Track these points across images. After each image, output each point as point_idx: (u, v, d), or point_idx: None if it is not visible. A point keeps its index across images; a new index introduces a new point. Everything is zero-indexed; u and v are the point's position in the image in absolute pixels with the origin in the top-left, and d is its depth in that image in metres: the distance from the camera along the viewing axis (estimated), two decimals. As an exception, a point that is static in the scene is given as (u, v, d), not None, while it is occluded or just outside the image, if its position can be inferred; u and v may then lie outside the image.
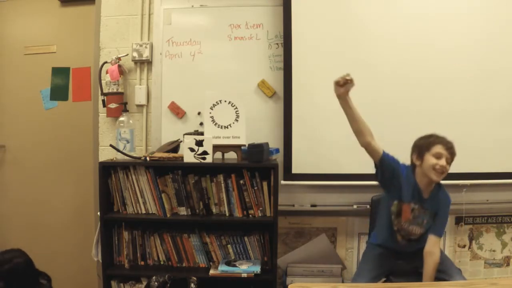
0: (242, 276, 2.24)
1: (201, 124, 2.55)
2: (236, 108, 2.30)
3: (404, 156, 2.47)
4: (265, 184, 2.29)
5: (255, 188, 2.29)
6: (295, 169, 2.52)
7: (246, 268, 2.26)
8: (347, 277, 2.63)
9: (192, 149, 2.25)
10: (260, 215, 2.31)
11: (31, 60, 2.88)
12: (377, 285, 2.05)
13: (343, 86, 1.87)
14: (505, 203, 2.55)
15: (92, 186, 2.68)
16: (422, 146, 2.00)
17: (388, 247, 2.12)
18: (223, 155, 2.40)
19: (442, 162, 1.93)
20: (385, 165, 1.98)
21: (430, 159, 1.95)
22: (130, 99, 2.65)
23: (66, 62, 2.84)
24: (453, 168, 2.43)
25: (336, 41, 2.51)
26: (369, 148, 1.96)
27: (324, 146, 2.52)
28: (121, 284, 2.40)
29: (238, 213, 2.32)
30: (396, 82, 2.48)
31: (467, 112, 2.47)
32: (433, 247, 1.94)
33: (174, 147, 2.46)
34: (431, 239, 1.96)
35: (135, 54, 2.63)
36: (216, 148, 2.30)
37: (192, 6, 2.61)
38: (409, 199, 2.01)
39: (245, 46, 2.59)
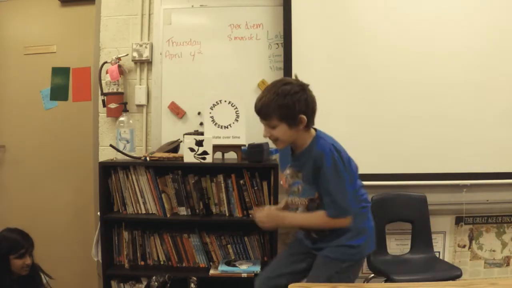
0: (242, 276, 2.24)
1: (201, 124, 2.55)
2: (236, 108, 2.30)
3: (404, 157, 2.49)
4: (265, 184, 2.29)
5: (255, 188, 2.29)
6: (295, 169, 2.52)
7: (246, 268, 2.26)
8: (347, 277, 2.63)
9: (192, 149, 2.25)
10: (260, 215, 2.30)
11: (31, 60, 2.88)
12: (377, 285, 2.05)
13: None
14: (505, 203, 2.55)
15: (92, 186, 2.68)
16: None
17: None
18: (223, 155, 2.40)
19: (265, 132, 1.66)
20: None
21: None
22: (130, 99, 2.65)
23: (66, 62, 2.84)
24: (453, 168, 2.47)
25: (336, 41, 2.51)
26: None
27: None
28: (121, 284, 2.40)
29: (238, 213, 2.32)
30: (396, 83, 2.48)
31: (467, 112, 2.47)
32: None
33: (174, 147, 2.46)
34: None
35: (135, 54, 2.63)
36: (216, 148, 2.30)
37: (192, 6, 2.61)
38: (287, 164, 1.76)
39: (245, 46, 2.59)
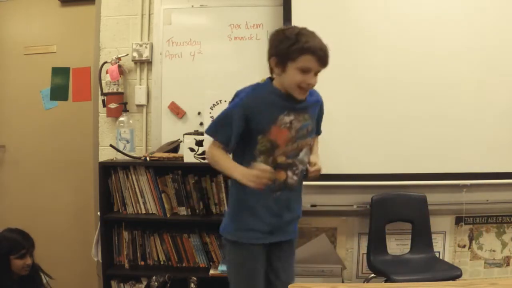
0: (242, 276, 2.23)
1: (201, 124, 2.55)
2: (236, 108, 2.29)
3: (404, 157, 2.49)
4: (265, 184, 2.29)
5: (255, 188, 2.28)
6: (295, 169, 2.52)
7: (246, 268, 2.26)
8: (347, 277, 2.63)
9: (192, 149, 2.25)
10: (260, 215, 2.30)
11: (31, 60, 2.88)
12: (377, 285, 2.05)
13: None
14: (505, 203, 2.55)
15: (92, 186, 2.68)
16: (285, 51, 1.50)
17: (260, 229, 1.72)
18: (223, 155, 2.40)
19: (311, 79, 1.50)
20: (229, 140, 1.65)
21: (294, 74, 1.51)
22: (130, 99, 2.65)
23: (66, 62, 2.84)
24: (453, 168, 2.48)
25: (336, 42, 2.45)
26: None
27: (324, 146, 2.50)
28: (121, 284, 2.40)
29: (238, 213, 2.32)
30: (396, 83, 2.48)
31: (467, 112, 2.47)
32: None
33: (174, 147, 2.46)
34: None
35: (135, 54, 2.63)
36: (216, 148, 2.30)
37: (192, 6, 2.61)
38: (277, 115, 1.58)
39: (245, 46, 2.58)
